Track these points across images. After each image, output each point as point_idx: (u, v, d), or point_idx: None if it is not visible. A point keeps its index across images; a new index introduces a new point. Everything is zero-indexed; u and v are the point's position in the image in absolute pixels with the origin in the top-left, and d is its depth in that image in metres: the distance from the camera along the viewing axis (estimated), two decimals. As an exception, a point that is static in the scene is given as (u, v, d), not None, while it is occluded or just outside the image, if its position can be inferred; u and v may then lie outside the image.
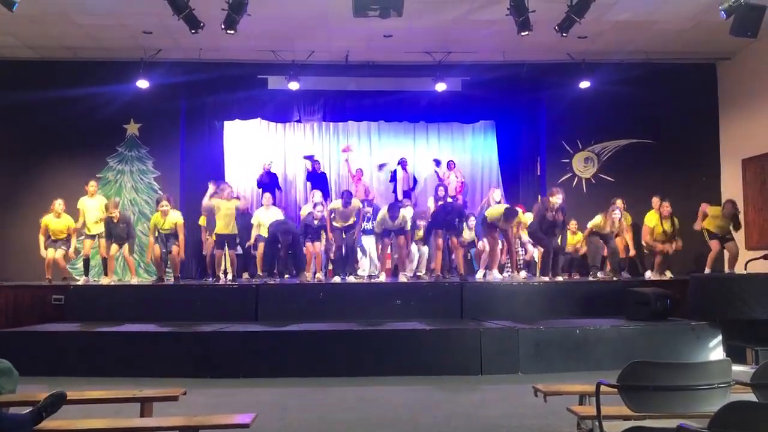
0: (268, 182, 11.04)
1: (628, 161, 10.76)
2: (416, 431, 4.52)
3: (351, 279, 8.92)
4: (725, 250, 9.06)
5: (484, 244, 9.39)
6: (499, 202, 9.99)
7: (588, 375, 5.62)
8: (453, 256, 9.52)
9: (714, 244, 8.94)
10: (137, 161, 10.89)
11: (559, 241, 8.97)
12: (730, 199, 9.10)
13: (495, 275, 8.99)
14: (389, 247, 9.28)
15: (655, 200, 9.37)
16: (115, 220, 8.94)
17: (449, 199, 9.97)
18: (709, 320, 7.12)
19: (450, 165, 11.52)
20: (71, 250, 9.32)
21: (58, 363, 6.55)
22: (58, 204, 9.16)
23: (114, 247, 9.04)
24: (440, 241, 9.01)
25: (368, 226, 9.67)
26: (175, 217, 8.96)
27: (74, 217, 9.31)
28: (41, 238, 9.11)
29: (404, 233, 9.08)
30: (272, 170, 11.37)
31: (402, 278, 8.94)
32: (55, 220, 9.15)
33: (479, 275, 9.37)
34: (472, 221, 9.70)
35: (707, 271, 8.97)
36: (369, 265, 9.87)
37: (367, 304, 8.03)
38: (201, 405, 5.12)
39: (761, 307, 6.85)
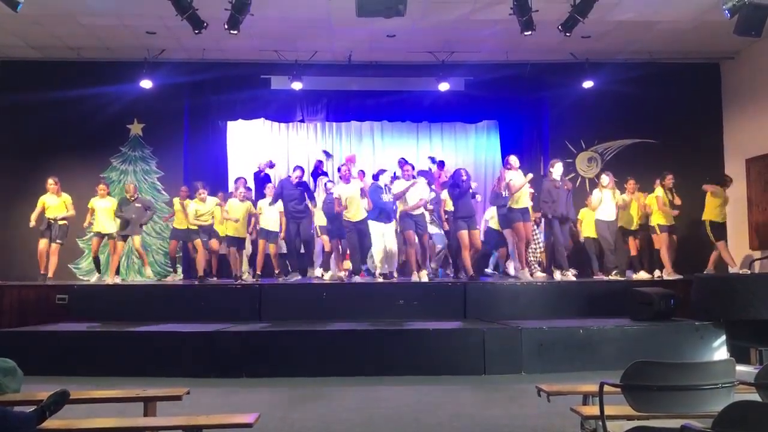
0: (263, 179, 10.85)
1: (631, 161, 10.73)
2: (419, 431, 4.52)
3: (356, 279, 8.89)
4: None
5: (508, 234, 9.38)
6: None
7: (592, 375, 5.60)
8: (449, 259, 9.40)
9: (721, 245, 8.88)
10: (141, 161, 10.93)
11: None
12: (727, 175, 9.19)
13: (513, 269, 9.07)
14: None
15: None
16: (131, 199, 9.16)
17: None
18: (713, 320, 7.10)
19: (440, 165, 11.21)
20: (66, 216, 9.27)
21: (62, 362, 6.56)
22: (50, 184, 9.16)
23: (120, 244, 9.09)
24: (412, 238, 8.80)
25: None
26: (212, 203, 9.20)
27: (82, 213, 9.38)
28: (33, 215, 9.09)
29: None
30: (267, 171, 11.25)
31: (378, 278, 8.76)
32: (52, 197, 9.18)
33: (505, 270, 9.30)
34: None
35: (709, 269, 8.95)
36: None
37: (370, 304, 8.03)
38: (204, 405, 5.13)
39: (765, 307, 6.83)
